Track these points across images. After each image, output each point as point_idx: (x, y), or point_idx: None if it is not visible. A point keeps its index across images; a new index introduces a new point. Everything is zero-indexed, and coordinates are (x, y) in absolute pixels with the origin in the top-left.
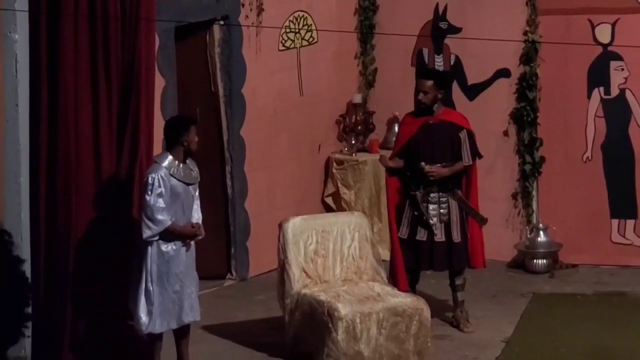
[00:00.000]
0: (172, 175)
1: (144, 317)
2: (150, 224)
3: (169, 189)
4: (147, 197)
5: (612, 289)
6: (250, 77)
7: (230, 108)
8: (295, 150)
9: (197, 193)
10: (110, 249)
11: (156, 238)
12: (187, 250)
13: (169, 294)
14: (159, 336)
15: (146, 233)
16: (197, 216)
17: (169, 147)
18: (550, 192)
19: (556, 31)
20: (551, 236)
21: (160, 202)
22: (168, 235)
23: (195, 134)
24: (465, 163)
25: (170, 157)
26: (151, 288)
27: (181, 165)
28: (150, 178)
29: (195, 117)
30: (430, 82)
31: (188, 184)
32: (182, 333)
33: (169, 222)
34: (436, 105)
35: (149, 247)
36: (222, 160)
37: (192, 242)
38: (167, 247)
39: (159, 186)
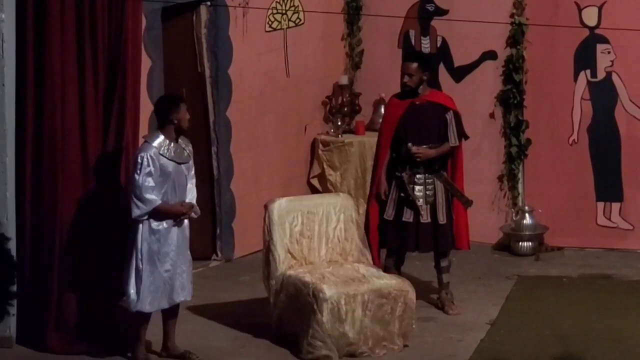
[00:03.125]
0: (161, 155)
1: (133, 294)
2: (139, 203)
3: (159, 168)
4: (136, 176)
5: (598, 271)
6: (237, 58)
7: (217, 89)
8: (282, 131)
9: (192, 172)
10: (96, 228)
11: (145, 217)
12: (178, 228)
13: (160, 272)
14: (148, 315)
15: (135, 212)
16: (190, 195)
17: (160, 126)
18: (536, 175)
19: (543, 14)
20: (537, 219)
21: (150, 181)
22: (158, 214)
23: (186, 111)
24: (452, 144)
25: (161, 137)
26: (141, 266)
27: (172, 144)
28: (139, 157)
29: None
30: (414, 65)
31: (179, 163)
32: (171, 313)
33: (159, 201)
34: (421, 87)
35: (140, 226)
36: (208, 141)
37: (186, 222)
38: (159, 226)
39: (148, 165)
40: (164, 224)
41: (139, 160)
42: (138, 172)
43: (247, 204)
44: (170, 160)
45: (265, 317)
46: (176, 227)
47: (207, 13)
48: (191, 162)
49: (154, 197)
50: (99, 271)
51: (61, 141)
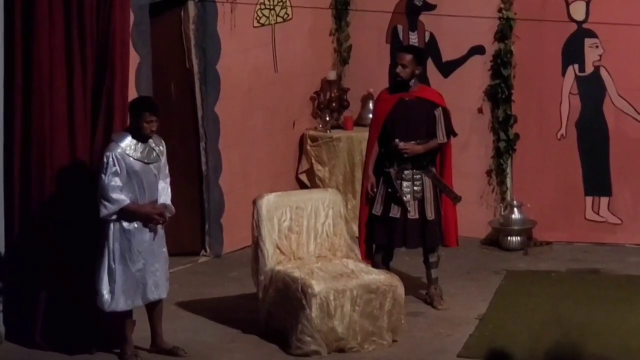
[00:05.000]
0: (127, 154)
1: (106, 294)
2: (106, 203)
3: (124, 168)
4: (102, 176)
5: (586, 266)
6: (225, 54)
7: (205, 84)
8: (270, 126)
9: (165, 171)
10: (84, 226)
11: (114, 217)
12: (149, 230)
13: (132, 271)
14: (128, 313)
15: (102, 212)
16: (164, 196)
17: (129, 125)
18: (525, 170)
19: (531, 8)
20: (525, 213)
21: (116, 181)
22: (127, 214)
23: (152, 122)
24: (440, 140)
25: (128, 137)
26: (114, 266)
27: (139, 144)
28: (105, 157)
29: (154, 102)
30: (409, 56)
31: (147, 163)
32: (152, 309)
33: (127, 201)
34: (413, 81)
35: (111, 225)
36: (196, 137)
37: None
38: (129, 226)
39: (114, 165)
40: (135, 224)
41: (105, 160)
42: (104, 172)
43: (235, 200)
44: (137, 160)
45: (254, 312)
46: (148, 227)
47: (195, 9)
48: (163, 161)
49: (121, 197)
50: (87, 267)
51: (49, 137)
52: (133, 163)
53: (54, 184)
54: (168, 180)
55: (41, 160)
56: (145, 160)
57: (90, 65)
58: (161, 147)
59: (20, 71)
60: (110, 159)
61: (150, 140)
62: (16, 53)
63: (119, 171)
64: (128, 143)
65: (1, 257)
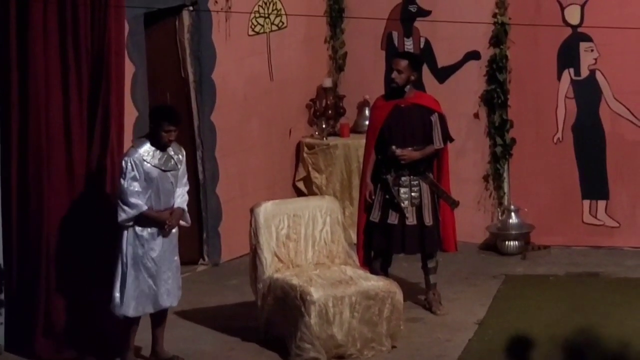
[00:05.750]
0: (145, 161)
1: (117, 298)
2: (125, 207)
3: (143, 174)
4: (122, 181)
5: (585, 269)
6: (220, 63)
7: (201, 93)
8: (266, 135)
9: (184, 179)
10: (83, 234)
11: (131, 223)
12: (164, 236)
13: (145, 278)
14: (136, 320)
15: (121, 216)
16: (180, 199)
17: (149, 132)
18: (522, 174)
19: (525, 13)
20: (523, 218)
21: (135, 186)
22: (143, 220)
23: (168, 130)
24: (437, 146)
25: (147, 143)
26: (126, 271)
27: (158, 151)
28: (123, 162)
29: (176, 112)
30: (405, 62)
31: (165, 171)
32: (158, 318)
33: (145, 207)
34: (408, 87)
35: (125, 231)
36: (193, 146)
37: (174, 229)
38: (143, 232)
39: (132, 170)
40: (148, 230)
41: (123, 165)
42: (123, 176)
43: (233, 208)
44: (154, 167)
45: (253, 320)
46: (162, 234)
47: (189, 18)
48: (182, 170)
49: (139, 202)
50: (86, 277)
51: (46, 148)
52: (150, 169)
53: (51, 195)
54: (187, 188)
55: (38, 171)
56: (163, 168)
57: (85, 75)
58: (180, 156)
59: (16, 83)
60: (129, 164)
61: (169, 148)
62: (11, 65)
63: (137, 176)
64: (146, 149)
65: (0, 270)
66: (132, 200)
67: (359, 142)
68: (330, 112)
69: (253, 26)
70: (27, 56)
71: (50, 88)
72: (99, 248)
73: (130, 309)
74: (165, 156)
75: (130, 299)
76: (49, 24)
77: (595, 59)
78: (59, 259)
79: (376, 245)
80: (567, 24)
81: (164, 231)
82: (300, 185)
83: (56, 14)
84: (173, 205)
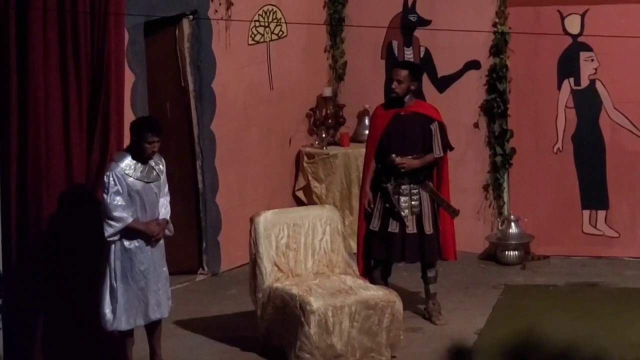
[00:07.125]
0: (127, 174)
1: (108, 314)
2: (110, 222)
3: (125, 187)
4: (105, 196)
5: (584, 280)
6: (220, 72)
7: (201, 102)
8: (266, 144)
9: (165, 189)
10: (82, 245)
11: (117, 237)
12: (152, 247)
13: (134, 290)
14: (129, 332)
15: (108, 231)
16: (164, 210)
17: (129, 145)
18: (521, 184)
19: (526, 22)
20: (522, 227)
21: (119, 200)
22: (130, 232)
23: (152, 141)
24: (436, 155)
25: (128, 157)
26: (115, 285)
27: (139, 164)
28: (105, 177)
29: (158, 122)
30: (405, 72)
31: (147, 182)
32: (152, 329)
33: (130, 219)
34: (408, 96)
35: (112, 245)
36: (192, 155)
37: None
38: (130, 245)
39: (115, 184)
40: (136, 243)
41: (106, 180)
42: (106, 191)
43: (232, 218)
44: (137, 179)
45: (253, 330)
46: (149, 245)
47: (189, 27)
48: (163, 179)
49: (124, 215)
50: (84, 287)
51: (45, 157)
52: (133, 182)
53: (51, 205)
54: (168, 198)
55: (37, 179)
56: (146, 180)
57: (85, 85)
58: (161, 166)
59: (16, 92)
60: (111, 179)
61: (150, 160)
62: (11, 74)
63: (120, 190)
64: (128, 163)
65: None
66: (117, 214)
67: (358, 152)
68: (330, 121)
69: (253, 35)
70: (26, 65)
71: (49, 97)
72: (98, 256)
73: (122, 323)
74: (147, 168)
75: (121, 313)
76: (49, 33)
77: (596, 69)
78: (58, 267)
79: (376, 255)
80: (567, 34)
81: (151, 243)
82: (300, 194)
83: (56, 23)
84: (158, 216)
